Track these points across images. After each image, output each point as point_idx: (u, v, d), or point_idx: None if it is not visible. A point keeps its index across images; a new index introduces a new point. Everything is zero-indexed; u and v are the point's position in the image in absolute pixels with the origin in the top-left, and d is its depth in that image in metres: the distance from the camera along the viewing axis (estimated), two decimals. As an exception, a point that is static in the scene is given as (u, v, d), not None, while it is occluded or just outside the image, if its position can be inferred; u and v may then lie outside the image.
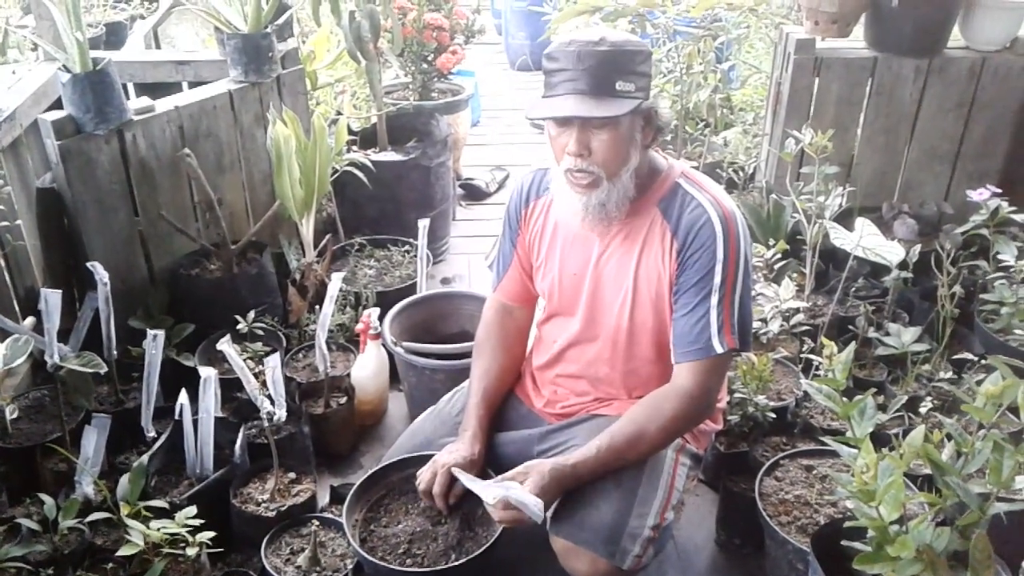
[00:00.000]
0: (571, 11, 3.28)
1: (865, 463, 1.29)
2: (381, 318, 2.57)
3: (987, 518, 1.34)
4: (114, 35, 4.64)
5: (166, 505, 1.90)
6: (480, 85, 5.36)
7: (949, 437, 1.47)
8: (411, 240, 3.12)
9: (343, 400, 2.45)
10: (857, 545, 1.43)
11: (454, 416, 2.06)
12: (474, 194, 4.25)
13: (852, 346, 1.49)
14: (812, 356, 2.38)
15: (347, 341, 2.73)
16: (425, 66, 4.01)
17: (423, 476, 1.76)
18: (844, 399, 1.45)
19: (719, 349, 1.63)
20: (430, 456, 2.00)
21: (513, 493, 1.56)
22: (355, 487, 1.92)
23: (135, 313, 2.55)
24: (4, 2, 3.94)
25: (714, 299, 1.63)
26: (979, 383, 2.31)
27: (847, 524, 1.41)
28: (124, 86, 2.74)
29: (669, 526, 1.75)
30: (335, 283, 2.35)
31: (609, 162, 1.59)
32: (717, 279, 1.63)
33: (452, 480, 1.72)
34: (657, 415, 1.68)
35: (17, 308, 2.43)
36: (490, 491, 1.61)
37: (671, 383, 1.71)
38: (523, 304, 1.99)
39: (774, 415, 2.22)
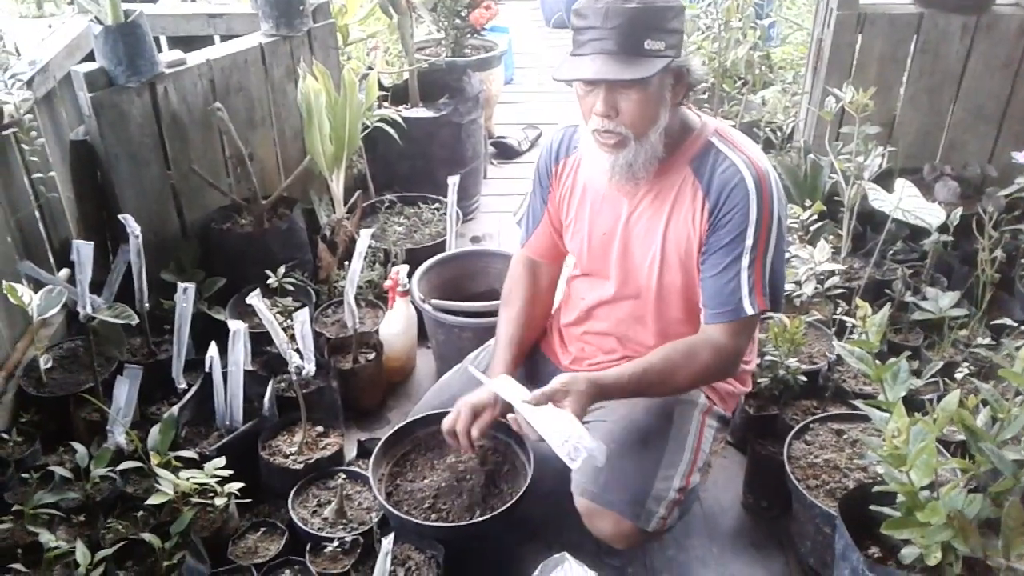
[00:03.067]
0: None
1: (897, 427, 1.26)
2: (410, 275, 2.57)
3: (1021, 485, 1.31)
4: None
5: (196, 456, 1.92)
6: (514, 42, 5.28)
7: (985, 403, 1.44)
8: (441, 198, 3.11)
9: (371, 356, 2.45)
10: (886, 510, 1.41)
11: (481, 373, 2.07)
12: (506, 152, 4.21)
13: (887, 308, 1.45)
14: (846, 318, 2.33)
15: (376, 298, 2.73)
16: (458, 21, 3.95)
17: (448, 417, 1.75)
18: (877, 362, 1.42)
19: (749, 311, 1.61)
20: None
21: (578, 442, 1.51)
22: (382, 441, 1.93)
23: (167, 266, 2.57)
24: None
25: (745, 260, 1.60)
26: (1018, 349, 2.28)
27: (876, 489, 1.38)
28: (156, 40, 2.74)
29: (695, 488, 1.74)
30: (364, 239, 2.35)
31: (637, 123, 1.55)
32: (749, 240, 1.59)
33: (474, 418, 1.71)
34: (689, 361, 1.67)
35: (52, 259, 2.46)
36: (545, 425, 1.56)
37: (707, 336, 1.68)
38: (551, 261, 1.97)
39: (805, 378, 2.19)
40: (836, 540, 1.54)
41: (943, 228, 2.57)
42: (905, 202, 2.57)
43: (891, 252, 2.84)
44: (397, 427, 1.98)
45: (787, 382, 2.18)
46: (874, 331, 1.37)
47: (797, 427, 2.06)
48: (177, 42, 3.01)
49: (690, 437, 1.75)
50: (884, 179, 2.72)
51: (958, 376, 2.28)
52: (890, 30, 2.95)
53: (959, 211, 2.60)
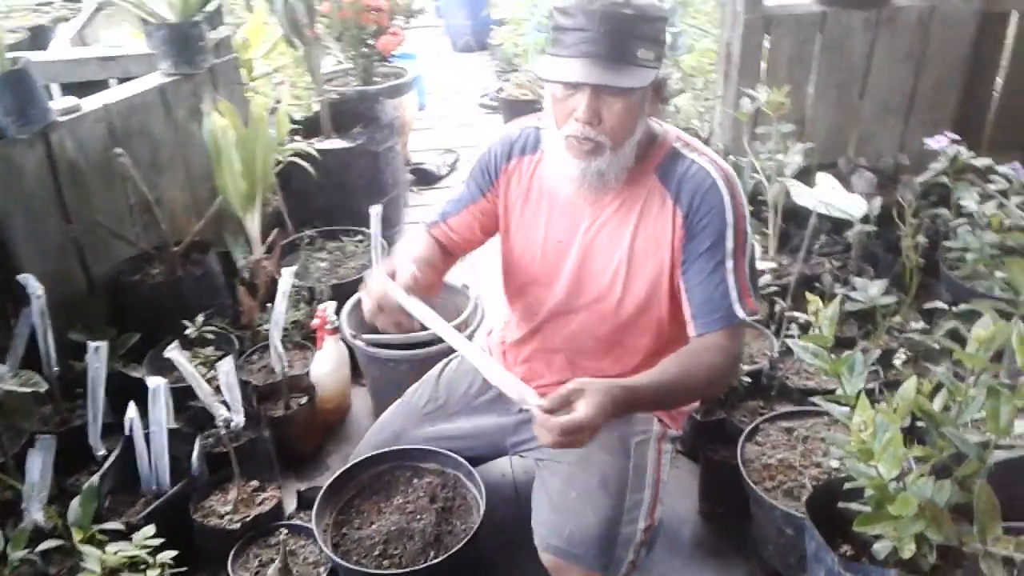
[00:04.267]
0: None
1: (862, 420, 1.22)
2: (338, 312, 2.46)
3: (987, 467, 1.29)
4: (38, 39, 4.42)
5: (122, 527, 1.78)
6: (423, 68, 5.23)
7: (938, 387, 1.42)
8: (363, 229, 3.01)
9: (303, 400, 2.33)
10: (853, 506, 1.37)
11: (422, 407, 1.99)
12: (425, 178, 4.14)
13: (838, 300, 1.43)
14: (796, 313, 2.31)
15: (304, 338, 2.61)
16: (365, 49, 3.88)
17: (366, 307, 1.60)
18: (832, 356, 1.39)
19: (741, 315, 1.56)
20: (400, 451, 1.92)
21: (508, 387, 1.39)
22: (323, 490, 1.83)
23: (75, 326, 2.40)
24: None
25: (729, 264, 1.55)
26: (951, 332, 2.30)
27: (847, 486, 1.35)
28: (47, 88, 2.59)
29: (660, 523, 1.68)
30: (286, 279, 2.23)
31: (617, 132, 1.49)
32: (729, 244, 1.55)
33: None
34: (701, 364, 1.55)
35: (-54, 330, 2.28)
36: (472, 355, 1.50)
37: (700, 342, 1.58)
38: (452, 250, 1.86)
39: (749, 379, 2.17)
40: (807, 542, 1.50)
41: (865, 219, 2.60)
42: (827, 195, 2.60)
43: (817, 246, 2.86)
44: (338, 472, 1.87)
45: (732, 385, 2.15)
46: (827, 324, 1.34)
47: (747, 429, 2.03)
48: (71, 89, 2.85)
49: (649, 470, 1.69)
50: (802, 176, 2.75)
51: (896, 363, 2.30)
52: (796, 29, 3.00)
53: (878, 201, 2.64)
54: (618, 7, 1.41)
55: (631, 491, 1.64)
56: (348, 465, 1.89)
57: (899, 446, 1.23)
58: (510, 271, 1.81)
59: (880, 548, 1.35)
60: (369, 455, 1.92)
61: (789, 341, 1.52)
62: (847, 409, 1.37)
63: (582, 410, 1.32)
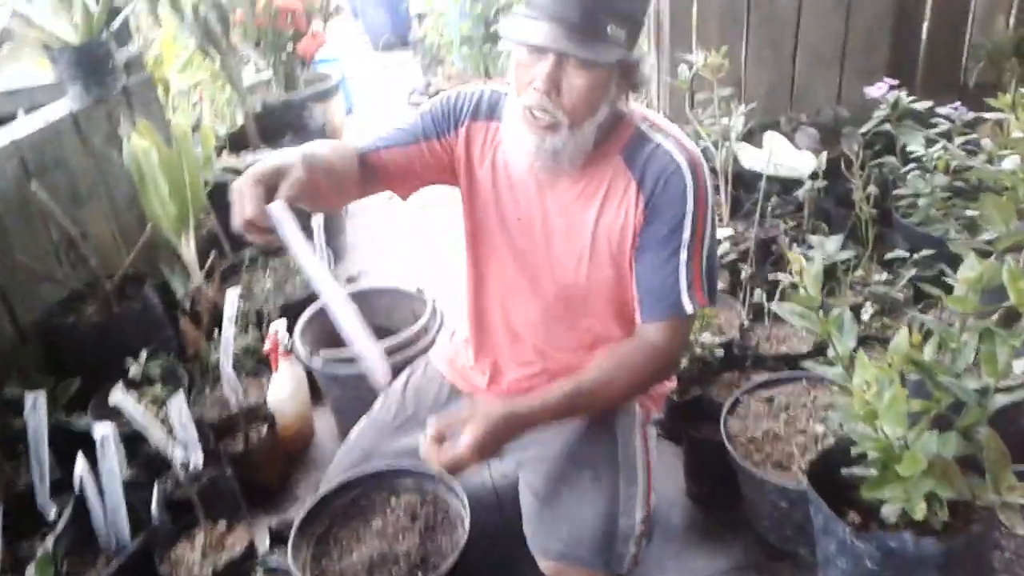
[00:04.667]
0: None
1: (864, 380, 1.16)
2: (290, 331, 2.34)
3: (989, 414, 1.24)
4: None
5: (84, 590, 1.65)
6: (346, 71, 5.09)
7: (927, 336, 1.37)
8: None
9: (264, 430, 2.21)
10: (858, 471, 1.32)
11: (391, 421, 1.88)
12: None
13: (820, 258, 1.37)
14: (779, 275, 2.23)
15: (257, 364, 2.48)
16: (285, 56, 3.74)
17: (234, 207, 1.28)
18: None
19: (689, 308, 1.48)
20: (373, 475, 1.82)
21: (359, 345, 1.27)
22: (297, 523, 1.72)
23: (8, 379, 2.24)
24: None
25: (683, 255, 1.47)
26: (913, 279, 2.28)
27: (854, 451, 1.29)
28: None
29: (654, 509, 1.61)
30: (230, 303, 2.11)
31: (577, 109, 1.39)
32: (686, 233, 1.46)
33: (268, 192, 1.26)
34: (625, 366, 1.51)
35: None
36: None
37: (637, 336, 1.55)
38: (378, 180, 1.60)
39: (722, 351, 2.12)
40: (813, 515, 1.45)
41: (814, 175, 2.57)
42: (777, 155, 2.55)
43: (768, 209, 2.82)
44: (310, 504, 1.76)
45: (705, 359, 2.10)
46: (812, 283, 1.28)
47: (727, 404, 1.97)
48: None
49: (639, 457, 1.62)
50: (744, 139, 2.71)
51: (864, 317, 2.27)
52: (723, -11, 2.95)
53: (824, 155, 2.61)
54: None
55: (624, 481, 1.57)
56: (320, 494, 1.78)
57: (903, 402, 1.17)
58: (474, 235, 1.68)
59: (889, 512, 1.30)
60: (341, 481, 1.81)
61: (774, 305, 1.46)
62: (840, 370, 1.31)
63: (464, 440, 1.33)
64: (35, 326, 2.39)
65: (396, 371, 1.99)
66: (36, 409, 1.85)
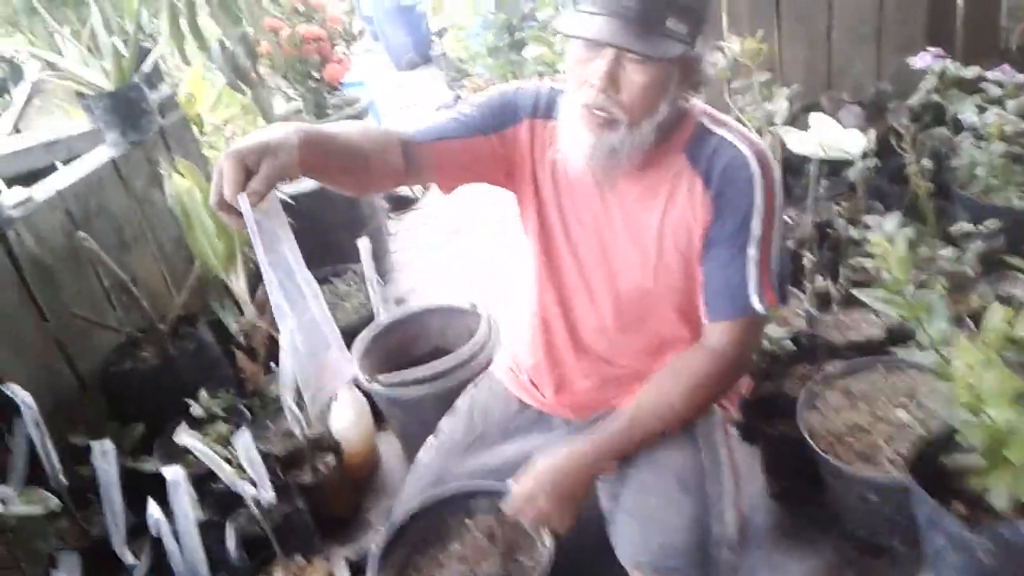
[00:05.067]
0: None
1: (966, 363, 1.10)
2: (346, 357, 2.32)
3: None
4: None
5: (169, 637, 1.63)
6: (373, 93, 5.09)
7: (1020, 310, 1.30)
8: (352, 266, 2.87)
9: (331, 460, 2.19)
10: (963, 459, 1.25)
11: (459, 441, 1.84)
12: (401, 204, 4.01)
13: (905, 234, 1.30)
14: (864, 260, 2.14)
15: (316, 393, 2.46)
16: (312, 83, 3.74)
17: (212, 189, 1.18)
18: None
19: (759, 307, 1.43)
20: (445, 499, 1.78)
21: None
22: (375, 557, 1.68)
23: (74, 428, 2.24)
24: None
25: (751, 251, 1.41)
26: (982, 253, 2.20)
27: (960, 439, 1.22)
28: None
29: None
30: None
31: (636, 107, 1.33)
32: (756, 230, 1.40)
33: (247, 174, 1.16)
34: (687, 378, 1.48)
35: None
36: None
37: (701, 342, 1.50)
38: (421, 172, 1.51)
39: (792, 343, 2.05)
40: (916, 508, 1.38)
41: (864, 154, 2.49)
42: (826, 136, 2.48)
43: (819, 194, 2.75)
44: (386, 534, 1.73)
45: (774, 353, 2.03)
46: (898, 266, 1.22)
47: (802, 398, 1.91)
48: (16, 181, 2.69)
49: (723, 459, 1.56)
50: (789, 122, 2.64)
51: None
52: (754, -30, 2.89)
53: (873, 132, 2.53)
54: None
55: (711, 485, 1.51)
56: (395, 522, 1.75)
57: (1009, 383, 1.10)
58: (534, 239, 1.62)
59: (998, 500, 1.23)
60: (414, 508, 1.77)
61: (858, 293, 1.39)
62: (933, 355, 1.25)
63: (515, 493, 1.48)
64: (94, 374, 2.39)
65: (458, 390, 1.97)
66: (105, 457, 1.84)
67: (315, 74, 3.73)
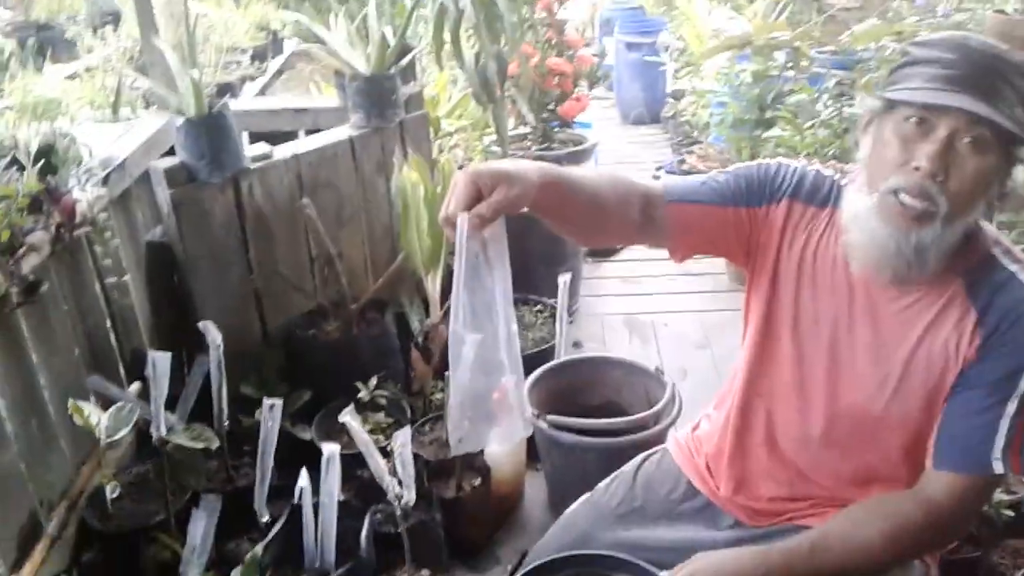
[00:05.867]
0: (720, 45, 2.98)
1: None
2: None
3: None
4: (224, 96, 4.58)
5: (282, 609, 1.61)
6: (596, 138, 5.10)
7: None
8: (543, 299, 2.83)
9: (477, 482, 2.12)
10: None
11: (614, 508, 1.72)
12: (601, 250, 3.95)
13: None
14: None
15: (476, 412, 2.41)
16: (546, 114, 3.77)
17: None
18: None
19: (998, 470, 1.24)
20: (587, 560, 1.66)
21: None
22: (503, 593, 1.60)
23: (247, 379, 2.31)
24: (118, 61, 3.90)
25: (1011, 407, 1.23)
26: None
27: None
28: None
29: None
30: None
31: (962, 198, 1.18)
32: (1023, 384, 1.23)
33: (478, 195, 1.14)
34: (892, 520, 1.29)
35: (123, 373, 2.22)
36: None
37: (919, 487, 1.32)
38: (666, 231, 1.41)
39: (1012, 513, 1.80)
40: None
41: None
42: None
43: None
44: (519, 574, 1.63)
45: (989, 518, 1.79)
46: None
47: None
48: (258, 139, 2.84)
49: None
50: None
51: None
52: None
53: None
54: (991, 46, 1.17)
55: None
56: (532, 566, 1.65)
57: None
58: (758, 325, 1.48)
59: None
60: (553, 557, 1.67)
61: None
62: None
63: None
64: (279, 334, 2.47)
65: (624, 452, 1.86)
66: (272, 414, 1.86)
67: (551, 106, 3.76)
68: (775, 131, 3.21)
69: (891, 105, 1.23)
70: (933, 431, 1.31)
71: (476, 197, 1.13)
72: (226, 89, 4.68)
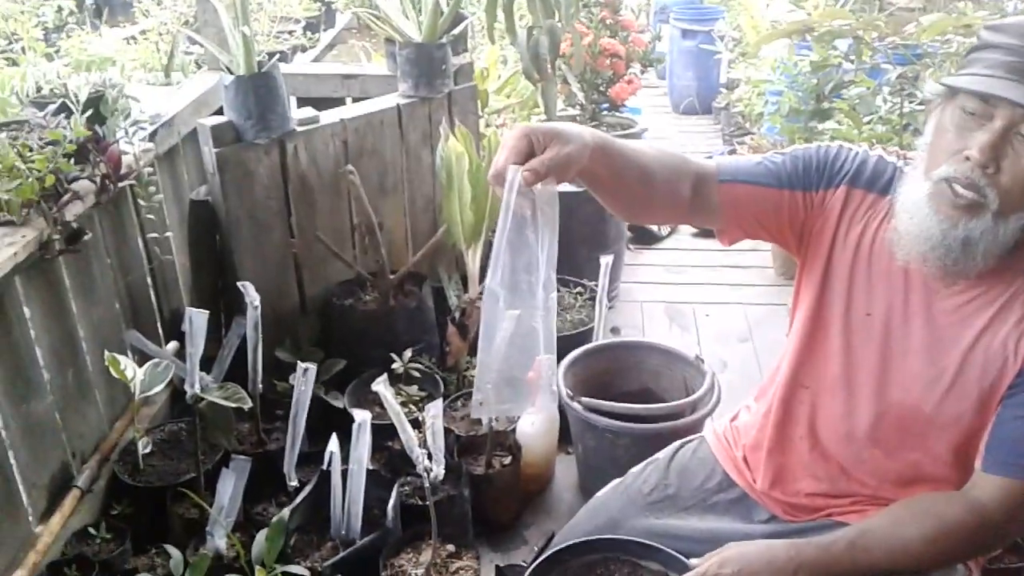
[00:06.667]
0: (778, 31, 2.90)
1: None
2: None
3: None
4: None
5: (307, 572, 1.60)
6: (645, 124, 5.04)
7: None
8: (583, 281, 2.78)
9: (507, 460, 2.10)
10: None
11: (646, 494, 1.68)
12: (644, 237, 3.89)
13: None
14: None
15: (509, 390, 2.39)
16: (596, 96, 3.72)
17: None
18: None
19: None
20: (618, 540, 1.63)
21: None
22: (528, 572, 1.56)
23: (283, 343, 2.31)
24: (173, 25, 3.92)
25: None
26: None
27: None
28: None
29: None
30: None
31: (1013, 192, 1.14)
32: None
33: (530, 152, 1.08)
34: (935, 522, 1.25)
35: (160, 330, 2.23)
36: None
37: (966, 490, 1.27)
38: (717, 212, 1.37)
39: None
40: None
41: None
42: None
43: None
44: (545, 556, 1.60)
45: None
46: None
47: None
48: (305, 104, 2.83)
49: None
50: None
51: None
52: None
53: None
54: None
55: None
56: (557, 548, 1.62)
57: None
58: (807, 316, 1.42)
59: None
60: (579, 540, 1.64)
61: None
62: None
63: (701, 571, 1.33)
64: (316, 300, 2.46)
65: (659, 440, 1.82)
66: (306, 379, 1.85)
67: (602, 87, 3.71)
68: (831, 124, 3.12)
69: (953, 92, 1.18)
70: (985, 432, 1.26)
71: (529, 152, 1.08)
72: (278, 58, 4.70)
